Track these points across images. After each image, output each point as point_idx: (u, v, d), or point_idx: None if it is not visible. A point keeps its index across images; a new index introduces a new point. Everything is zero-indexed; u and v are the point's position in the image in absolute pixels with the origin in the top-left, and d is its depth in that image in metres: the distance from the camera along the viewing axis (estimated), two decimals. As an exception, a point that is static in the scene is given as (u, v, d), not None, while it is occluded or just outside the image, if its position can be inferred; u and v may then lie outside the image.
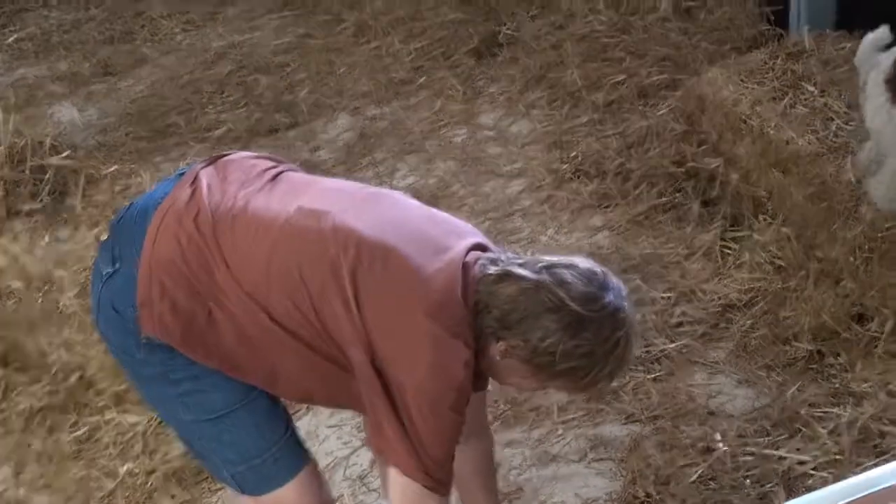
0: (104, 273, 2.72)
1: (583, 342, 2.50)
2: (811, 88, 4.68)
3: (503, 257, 2.62)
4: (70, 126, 6.11)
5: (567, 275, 2.52)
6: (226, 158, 2.84)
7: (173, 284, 2.61)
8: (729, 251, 4.60)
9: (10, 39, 7.41)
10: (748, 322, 4.26)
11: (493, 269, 2.55)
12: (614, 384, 3.92)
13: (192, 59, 6.77)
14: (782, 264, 4.43)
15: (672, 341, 4.23)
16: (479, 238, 2.70)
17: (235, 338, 2.64)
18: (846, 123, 4.46)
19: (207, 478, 3.87)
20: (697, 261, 4.58)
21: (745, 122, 4.71)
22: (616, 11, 6.17)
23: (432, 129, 5.83)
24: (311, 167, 5.55)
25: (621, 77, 5.68)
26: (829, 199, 4.32)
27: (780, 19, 5.71)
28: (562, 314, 2.49)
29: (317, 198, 2.68)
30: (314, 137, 5.90)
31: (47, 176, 4.63)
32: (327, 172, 5.53)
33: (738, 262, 4.53)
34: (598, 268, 2.59)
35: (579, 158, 5.29)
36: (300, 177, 2.83)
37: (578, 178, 5.21)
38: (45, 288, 4.26)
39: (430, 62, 6.36)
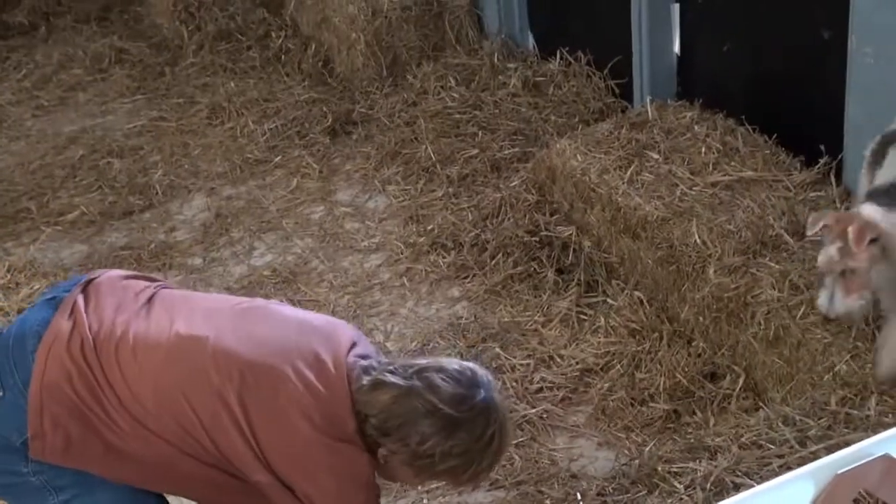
0: None
1: (459, 442, 2.58)
2: (655, 156, 4.79)
3: (375, 364, 2.68)
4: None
5: (437, 378, 2.60)
6: (96, 282, 2.82)
7: (66, 415, 2.60)
8: (585, 317, 4.68)
9: None
10: (606, 385, 4.33)
11: (366, 380, 2.61)
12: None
13: (42, 144, 6.66)
14: (636, 327, 4.53)
15: (533, 407, 4.28)
16: (353, 334, 2.77)
17: (133, 461, 2.65)
18: (690, 189, 4.57)
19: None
20: (554, 327, 4.65)
21: (594, 190, 4.79)
22: (467, 88, 6.26)
23: (289, 207, 5.83)
24: (168, 248, 5.55)
25: (474, 151, 5.75)
26: (677, 262, 4.42)
27: (625, 91, 5.87)
28: (435, 418, 2.56)
29: (193, 321, 2.69)
30: (170, 219, 5.85)
31: None
32: (184, 253, 5.53)
33: (594, 327, 4.61)
34: (467, 366, 2.67)
35: (436, 231, 5.34)
36: (174, 296, 2.83)
37: (436, 250, 5.25)
38: None
39: (285, 142, 6.37)
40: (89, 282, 2.82)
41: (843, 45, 4.41)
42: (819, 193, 4.46)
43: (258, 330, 2.69)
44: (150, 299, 2.76)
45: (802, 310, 3.95)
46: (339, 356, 2.65)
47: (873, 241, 3.42)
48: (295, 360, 2.61)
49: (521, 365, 4.47)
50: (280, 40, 7.35)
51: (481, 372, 2.68)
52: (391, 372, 2.62)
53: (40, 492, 2.69)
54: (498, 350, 4.56)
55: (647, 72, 5.62)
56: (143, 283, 2.84)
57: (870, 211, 3.54)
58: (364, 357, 2.72)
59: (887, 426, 3.42)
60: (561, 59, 6.25)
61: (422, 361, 2.68)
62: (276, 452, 2.57)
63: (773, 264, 4.14)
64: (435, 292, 5.03)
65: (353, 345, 2.72)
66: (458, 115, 6.06)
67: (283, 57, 7.27)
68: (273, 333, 2.69)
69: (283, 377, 2.57)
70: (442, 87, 6.32)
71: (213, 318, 2.71)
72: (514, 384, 4.37)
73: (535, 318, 4.72)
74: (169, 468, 2.66)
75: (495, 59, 6.45)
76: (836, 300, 3.55)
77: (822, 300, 3.62)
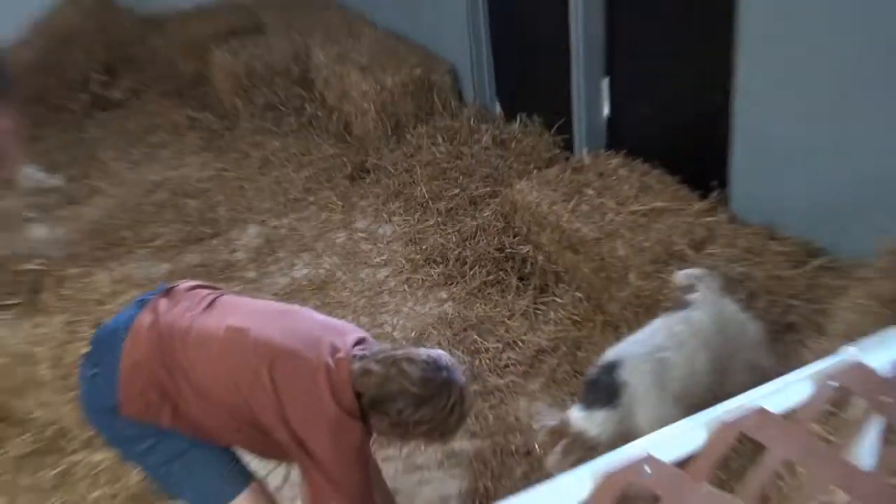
0: (89, 374, 2.79)
1: (426, 413, 2.63)
2: (590, 192, 4.83)
3: (369, 353, 2.72)
4: (42, 242, 6.04)
5: (407, 366, 2.64)
6: (174, 289, 2.92)
7: (147, 386, 2.69)
8: (539, 311, 4.75)
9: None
10: (555, 362, 4.40)
11: (356, 366, 2.67)
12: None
13: (136, 189, 6.73)
14: (577, 319, 4.60)
15: (501, 378, 4.35)
16: (359, 333, 2.84)
17: (192, 421, 2.73)
18: (616, 216, 4.61)
19: (161, 498, 3.83)
20: (517, 319, 4.71)
21: (545, 218, 4.84)
22: (451, 143, 6.30)
23: (320, 233, 5.88)
24: (230, 266, 5.63)
25: (457, 190, 5.81)
26: (606, 271, 4.47)
27: (567, 144, 5.93)
28: (405, 396, 2.61)
29: (241, 318, 2.76)
30: (231, 243, 5.91)
31: (25, 278, 4.58)
32: (242, 269, 5.61)
33: (546, 319, 4.68)
34: (433, 355, 2.70)
35: (429, 250, 5.40)
36: (229, 301, 2.90)
37: (429, 264, 5.31)
38: (25, 362, 4.21)
39: (317, 185, 6.43)
40: (170, 289, 2.92)
41: (729, 107, 4.49)
42: (712, 218, 4.50)
43: (290, 325, 2.76)
44: (211, 303, 2.85)
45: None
46: (347, 347, 2.71)
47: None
48: (316, 347, 2.67)
49: (493, 347, 4.54)
50: (311, 110, 7.43)
51: (445, 358, 2.72)
52: (376, 362, 2.66)
53: (133, 440, 2.78)
54: (476, 336, 4.63)
55: (584, 129, 5.69)
56: (206, 291, 2.93)
57: (576, 419, 3.04)
58: (367, 343, 2.80)
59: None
60: (520, 121, 6.31)
61: (399, 352, 2.70)
62: (294, 416, 2.62)
63: (679, 271, 4.20)
64: (428, 295, 5.08)
65: (359, 341, 2.79)
66: (444, 164, 6.11)
67: (313, 122, 7.34)
68: (301, 327, 2.76)
69: (305, 360, 2.63)
70: (432, 143, 6.37)
71: (255, 316, 2.79)
72: (487, 362, 4.44)
73: (503, 312, 4.79)
74: (220, 427, 2.75)
75: (472, 122, 6.51)
76: None
77: None
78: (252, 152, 7.03)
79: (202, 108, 7.87)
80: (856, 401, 1.84)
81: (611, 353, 3.29)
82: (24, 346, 4.19)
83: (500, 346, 4.54)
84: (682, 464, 1.59)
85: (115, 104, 8.14)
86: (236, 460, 2.93)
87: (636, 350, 3.27)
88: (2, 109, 5.94)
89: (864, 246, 3.93)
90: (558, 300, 4.75)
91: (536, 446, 3.58)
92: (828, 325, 3.32)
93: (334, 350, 2.67)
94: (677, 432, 1.62)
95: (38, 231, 6.22)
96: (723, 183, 4.67)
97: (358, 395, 2.65)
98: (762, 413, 1.64)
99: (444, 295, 5.06)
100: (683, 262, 4.25)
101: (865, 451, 1.87)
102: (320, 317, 2.89)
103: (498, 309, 4.82)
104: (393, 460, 3.94)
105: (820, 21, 3.88)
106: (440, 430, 2.70)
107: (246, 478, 2.91)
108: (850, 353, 1.75)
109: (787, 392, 1.70)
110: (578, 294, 4.71)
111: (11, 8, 7.93)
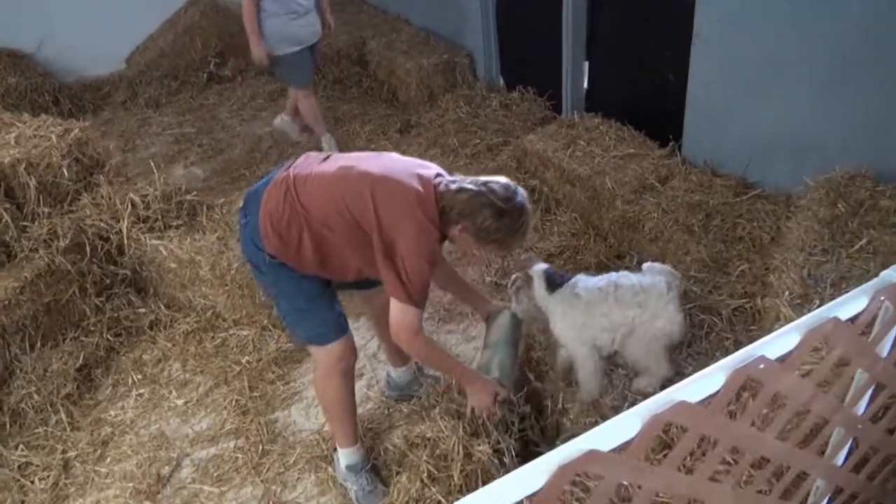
0: (243, 222, 2.58)
1: (503, 224, 2.39)
2: (582, 143, 4.58)
3: (458, 178, 2.49)
4: (188, 177, 5.70)
5: (495, 186, 2.41)
6: (305, 154, 2.69)
7: (279, 223, 2.49)
8: (545, 226, 4.50)
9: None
10: (561, 262, 4.18)
11: (453, 186, 2.43)
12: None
13: (247, 141, 6.33)
14: (575, 232, 4.37)
15: (524, 274, 4.14)
16: (440, 169, 2.57)
17: (313, 247, 2.50)
18: (602, 159, 4.36)
19: (293, 361, 3.64)
20: (532, 233, 4.44)
21: (549, 160, 4.58)
22: (469, 106, 5.98)
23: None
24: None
25: (477, 140, 5.51)
26: (597, 199, 4.25)
27: (555, 108, 5.63)
28: (492, 209, 2.38)
29: (348, 160, 2.53)
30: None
31: (183, 206, 4.27)
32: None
33: (552, 232, 4.43)
34: (511, 182, 2.47)
35: (462, 183, 5.12)
36: (340, 155, 2.65)
37: (463, 193, 5.04)
38: (190, 266, 3.94)
39: (377, 137, 6.07)
40: (300, 156, 2.69)
41: (684, 83, 4.21)
42: (669, 161, 4.28)
43: (385, 162, 2.51)
44: (326, 158, 2.61)
45: (671, 223, 3.80)
46: (430, 175, 2.48)
47: None
48: (404, 175, 2.43)
49: (516, 252, 4.27)
50: (367, 82, 7.01)
51: (521, 189, 2.49)
52: (469, 183, 2.44)
53: (272, 284, 2.61)
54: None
55: (570, 98, 5.38)
56: (324, 154, 2.67)
57: (535, 270, 2.97)
58: (445, 176, 2.54)
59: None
60: (519, 91, 5.96)
61: (486, 178, 2.47)
62: (387, 222, 2.38)
63: (651, 199, 3.98)
64: (464, 215, 4.82)
65: (439, 174, 2.54)
66: (466, 121, 5.79)
67: (370, 92, 6.94)
68: (393, 164, 2.51)
69: (397, 182, 2.40)
70: (456, 106, 6.03)
71: (357, 159, 2.54)
72: (513, 262, 4.20)
73: (521, 228, 4.54)
74: (332, 246, 2.51)
75: (483, 91, 6.15)
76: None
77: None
78: (328, 113, 6.61)
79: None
80: (837, 352, 1.57)
81: (578, 276, 2.93)
82: (188, 255, 3.89)
83: (520, 250, 4.28)
84: (703, 401, 1.34)
85: (226, 79, 7.65)
86: (342, 318, 2.71)
87: (585, 284, 2.88)
88: (307, 91, 5.65)
89: (782, 179, 3.72)
90: (559, 219, 4.52)
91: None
92: (781, 240, 3.11)
93: (420, 177, 2.45)
94: (703, 377, 1.35)
95: (178, 171, 5.87)
96: (677, 137, 4.41)
97: (442, 211, 2.42)
98: (763, 359, 1.37)
99: (476, 216, 4.79)
100: (654, 191, 4.03)
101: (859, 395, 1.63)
102: (407, 158, 2.65)
103: (517, 225, 4.55)
104: (453, 333, 3.77)
105: (751, 25, 3.62)
106: (508, 241, 2.45)
107: (346, 329, 2.72)
108: (823, 313, 1.45)
109: (779, 342, 1.42)
110: (574, 215, 4.48)
111: (151, 9, 7.67)
